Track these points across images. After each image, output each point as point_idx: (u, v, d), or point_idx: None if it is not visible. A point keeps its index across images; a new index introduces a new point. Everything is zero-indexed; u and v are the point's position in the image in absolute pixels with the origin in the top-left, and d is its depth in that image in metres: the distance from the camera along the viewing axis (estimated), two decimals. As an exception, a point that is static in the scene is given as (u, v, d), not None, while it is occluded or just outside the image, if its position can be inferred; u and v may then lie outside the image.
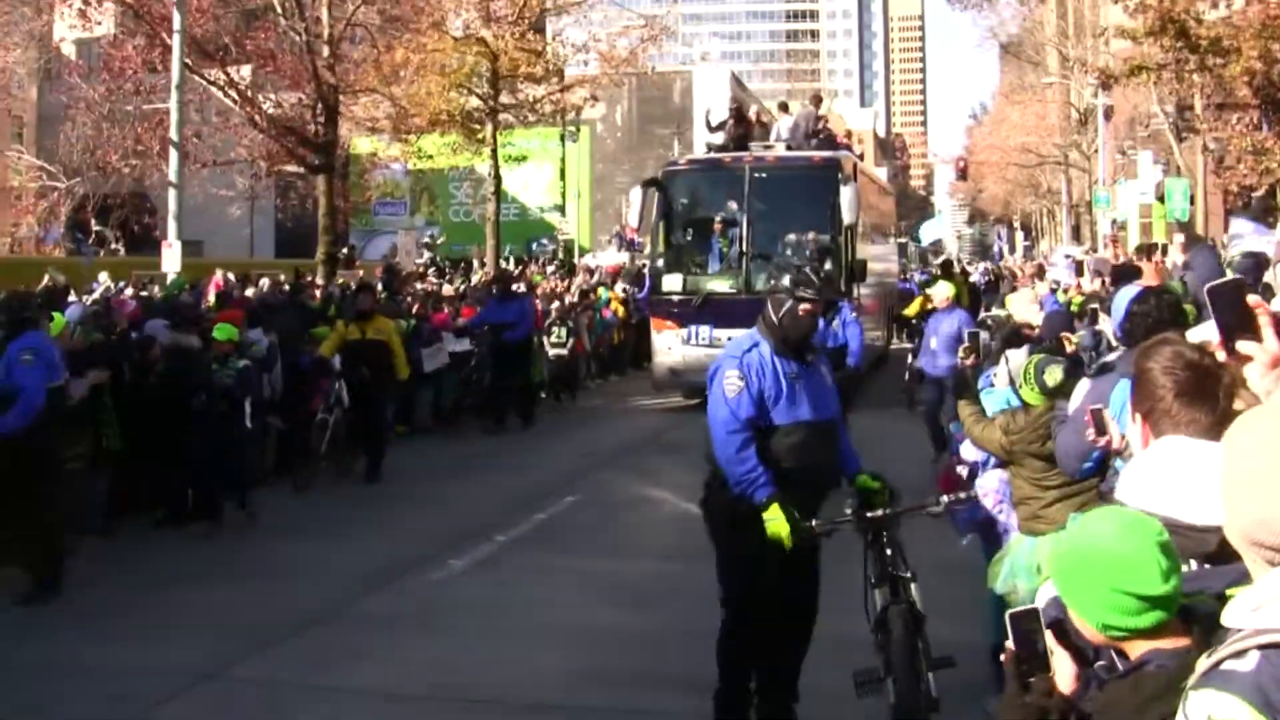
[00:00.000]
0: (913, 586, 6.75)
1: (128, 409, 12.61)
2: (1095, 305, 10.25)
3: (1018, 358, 7.62)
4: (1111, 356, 6.34)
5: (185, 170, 25.77)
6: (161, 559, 11.64)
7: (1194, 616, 2.54)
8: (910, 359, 19.23)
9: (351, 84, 28.70)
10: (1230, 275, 8.46)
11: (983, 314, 17.26)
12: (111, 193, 41.74)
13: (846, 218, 20.75)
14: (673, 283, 22.11)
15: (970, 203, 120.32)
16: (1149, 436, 3.34)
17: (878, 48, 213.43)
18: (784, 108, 26.66)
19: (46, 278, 18.34)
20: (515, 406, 20.43)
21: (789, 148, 23.20)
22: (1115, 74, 28.06)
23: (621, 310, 28.61)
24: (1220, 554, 2.61)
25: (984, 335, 10.04)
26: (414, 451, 17.73)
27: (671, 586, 10.22)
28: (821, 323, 14.15)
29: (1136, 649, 2.58)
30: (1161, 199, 37.61)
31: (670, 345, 21.83)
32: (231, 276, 22.39)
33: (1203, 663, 2.07)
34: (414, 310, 20.61)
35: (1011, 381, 7.45)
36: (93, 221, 41.15)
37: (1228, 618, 2.10)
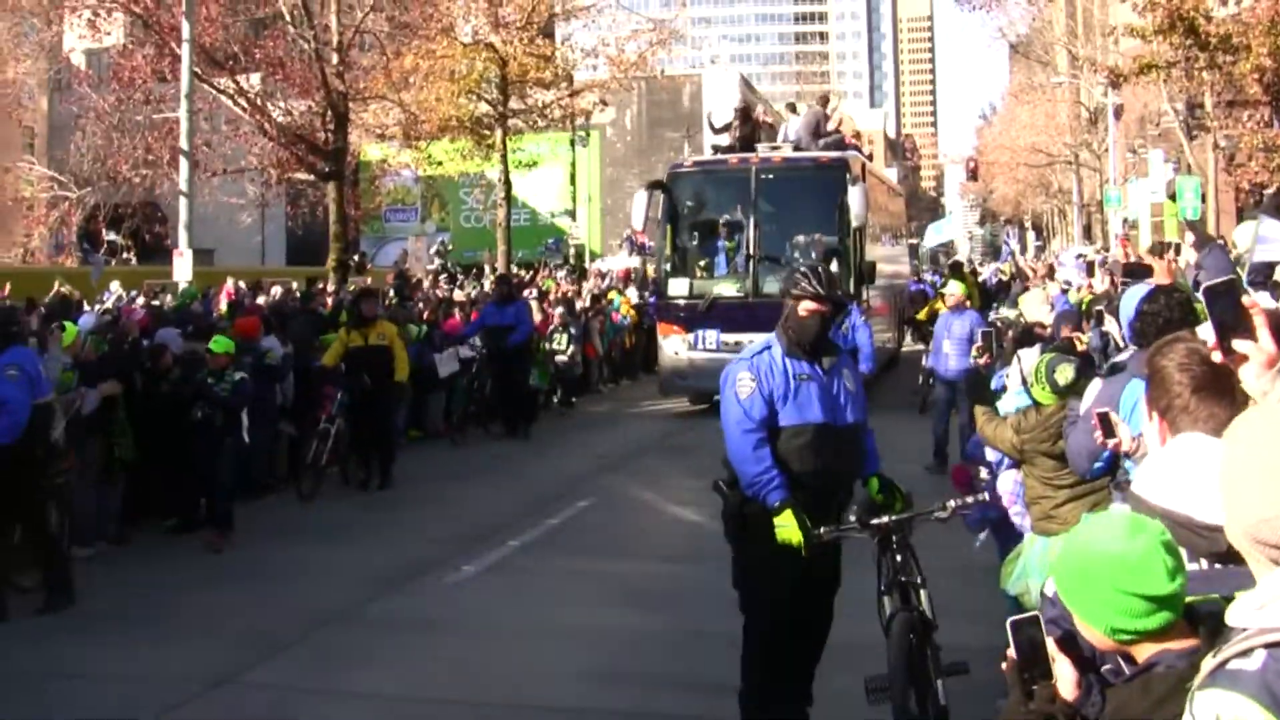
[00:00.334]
0: (923, 593, 6.67)
1: (140, 417, 12.65)
2: (1101, 306, 10.21)
3: (1029, 357, 7.62)
4: (1122, 356, 6.31)
5: (196, 179, 25.82)
6: (174, 565, 11.67)
7: (1200, 617, 2.53)
8: (923, 361, 19.14)
9: (361, 91, 28.75)
10: (1242, 274, 8.45)
11: (993, 315, 17.24)
12: (122, 202, 41.85)
13: (855, 219, 20.49)
14: (679, 287, 21.94)
15: (981, 203, 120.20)
16: (1166, 434, 3.33)
17: (887, 49, 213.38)
18: (792, 108, 26.39)
19: (56, 286, 18.40)
20: (519, 412, 20.18)
21: (796, 149, 22.87)
22: (1125, 73, 28.03)
23: (633, 314, 28.59)
24: (1233, 554, 2.61)
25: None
26: (425, 456, 17.75)
27: (683, 588, 10.22)
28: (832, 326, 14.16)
29: (1144, 652, 2.57)
30: (1173, 197, 37.50)
31: (677, 350, 21.65)
32: (243, 285, 22.44)
33: (1208, 663, 2.06)
34: (425, 316, 20.61)
35: (1024, 381, 7.44)
36: (104, 231, 41.24)
37: (1232, 617, 2.09)
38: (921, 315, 23.87)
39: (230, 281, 22.26)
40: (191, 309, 18.02)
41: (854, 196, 20.38)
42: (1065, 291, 16.99)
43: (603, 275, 34.92)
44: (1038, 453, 7.09)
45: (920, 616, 6.55)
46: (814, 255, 20.51)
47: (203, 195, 30.73)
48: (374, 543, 12.73)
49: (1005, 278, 35.09)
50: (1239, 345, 2.69)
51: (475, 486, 15.83)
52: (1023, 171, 74.11)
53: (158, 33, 26.16)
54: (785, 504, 6.36)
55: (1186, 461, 2.88)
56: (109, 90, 32.77)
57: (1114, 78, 29.68)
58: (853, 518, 6.75)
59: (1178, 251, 15.61)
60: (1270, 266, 9.54)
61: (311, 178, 30.26)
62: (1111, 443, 4.96)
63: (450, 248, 38.69)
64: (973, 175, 77.55)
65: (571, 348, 23.27)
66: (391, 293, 22.63)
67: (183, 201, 24.04)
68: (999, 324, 13.32)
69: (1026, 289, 20.03)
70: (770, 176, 21.74)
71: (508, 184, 32.72)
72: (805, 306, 6.63)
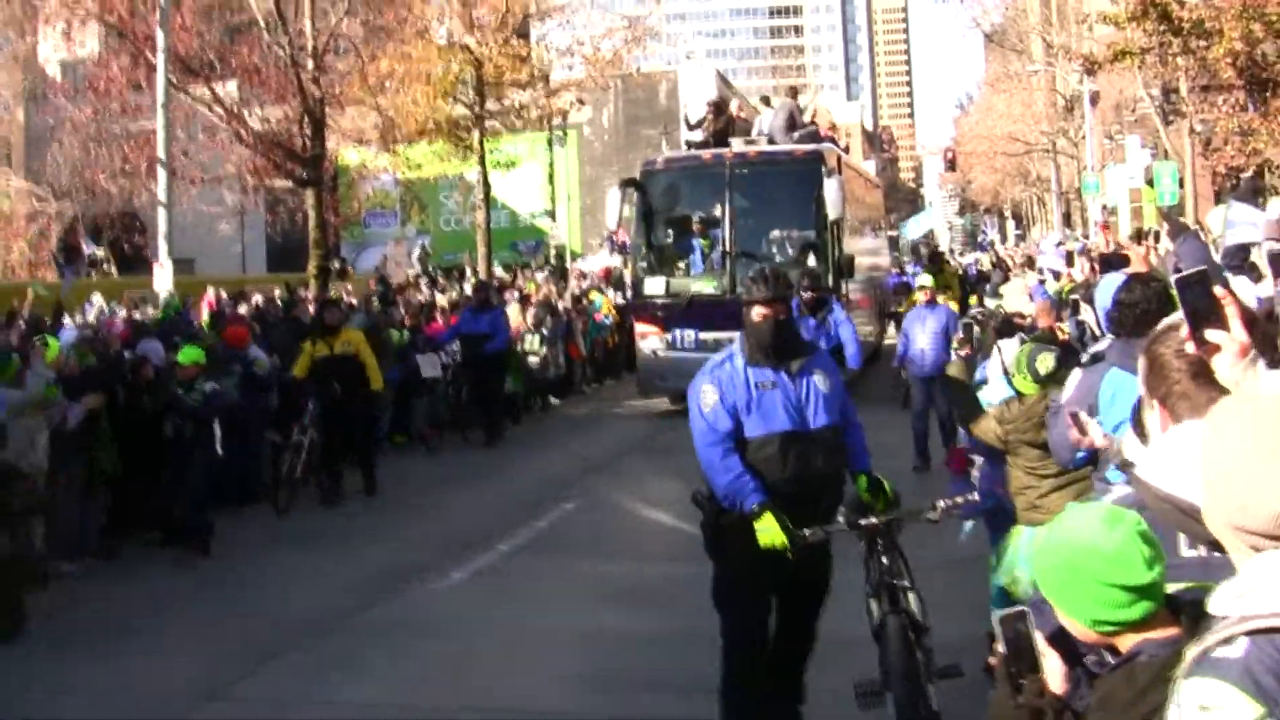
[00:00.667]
0: (911, 596, 6.58)
1: (122, 430, 12.61)
2: (1076, 296, 10.26)
3: (1010, 348, 7.64)
4: (1101, 345, 6.33)
5: (174, 188, 25.73)
6: (159, 579, 11.64)
7: (1181, 606, 2.56)
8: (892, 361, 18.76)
9: (338, 96, 28.66)
10: (1218, 261, 8.49)
11: (974, 308, 17.22)
12: (101, 213, 41.67)
13: (831, 212, 20.30)
14: (655, 285, 21.67)
15: (960, 193, 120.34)
16: (1168, 421, 3.35)
17: (862, 41, 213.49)
18: (765, 101, 26.21)
19: (30, 295, 18.28)
20: (497, 419, 19.87)
21: (770, 142, 22.66)
22: (1099, 60, 28.08)
23: (614, 314, 28.56)
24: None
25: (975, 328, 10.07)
26: (406, 463, 17.71)
27: (672, 589, 10.23)
28: (812, 323, 14.10)
29: (1127, 642, 2.59)
30: (1151, 183, 37.65)
31: (655, 349, 21.43)
32: (224, 294, 22.31)
33: (1192, 651, 2.08)
34: (407, 321, 20.57)
35: (1005, 371, 7.47)
36: (83, 243, 41.07)
37: (1214, 605, 2.11)
38: (903, 309, 23.88)
39: (210, 291, 22.15)
40: (175, 319, 17.97)
41: (830, 190, 20.15)
42: (1043, 282, 17.02)
43: (584, 275, 34.87)
44: (1021, 443, 7.11)
45: (910, 619, 6.48)
46: (790, 248, 20.46)
47: (181, 204, 30.63)
48: (360, 550, 12.69)
49: (985, 268, 35.23)
50: (1212, 335, 2.72)
51: (458, 492, 15.80)
52: (1001, 161, 74.22)
53: (133, 42, 26.05)
54: (764, 506, 6.28)
55: (1188, 448, 2.90)
56: (85, 101, 32.65)
57: (1089, 65, 29.68)
58: (841, 518, 6.62)
59: (1157, 239, 15.66)
60: (1244, 249, 9.60)
61: (290, 184, 30.14)
62: (1085, 441, 4.99)
63: (430, 251, 38.62)
64: (951, 166, 77.63)
65: (544, 350, 23.13)
66: (375, 299, 22.55)
67: (161, 212, 23.94)
68: (980, 315, 13.35)
69: (1006, 279, 20.09)
70: (744, 171, 21.47)
71: (486, 185, 32.67)
72: (757, 311, 6.53)
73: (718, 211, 21.42)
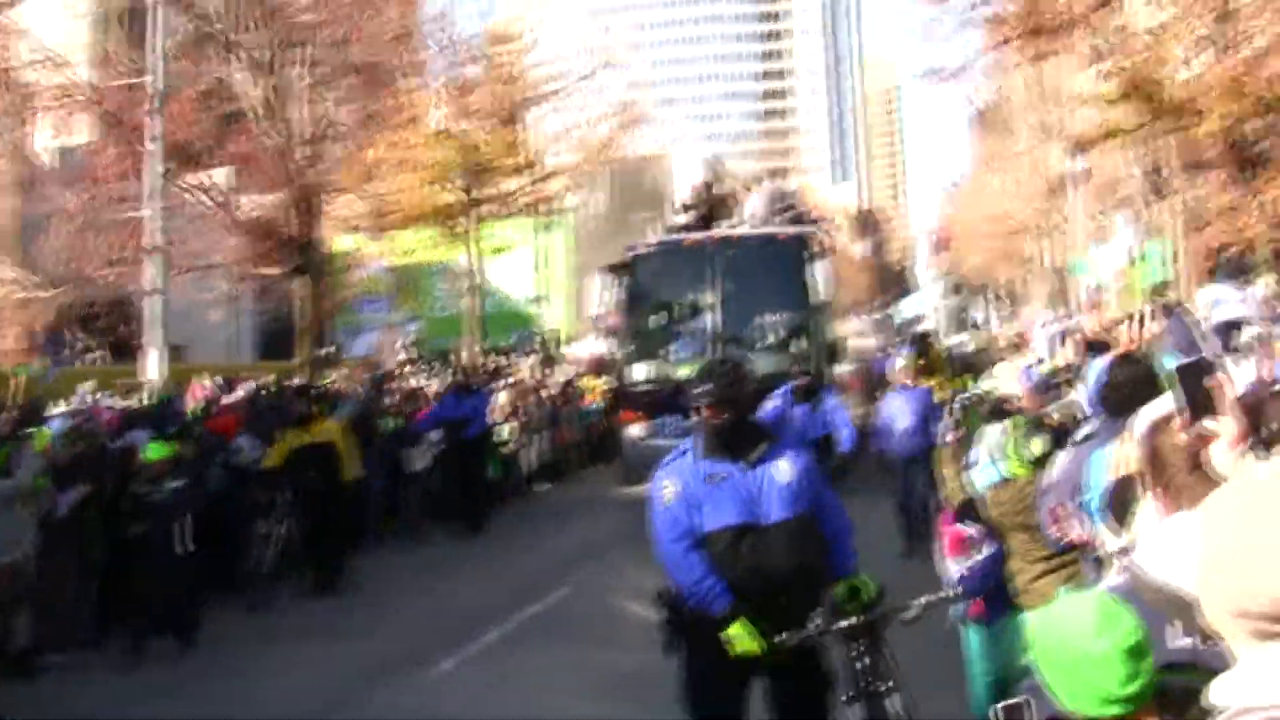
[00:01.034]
0: (897, 698, 6.12)
1: (109, 517, 12.51)
2: (1059, 380, 10.27)
3: (994, 432, 7.59)
4: (1090, 428, 6.31)
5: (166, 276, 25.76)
6: (146, 671, 11.51)
7: (1169, 694, 2.54)
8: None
9: (330, 183, 28.78)
10: (1203, 342, 8.48)
11: (964, 392, 17.10)
12: (94, 301, 41.66)
13: (817, 295, 20.30)
14: (640, 371, 21.52)
15: (950, 274, 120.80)
16: (1170, 509, 3.34)
17: (849, 125, 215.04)
18: (749, 187, 26.39)
19: (23, 381, 18.26)
20: (477, 505, 19.65)
21: (754, 227, 22.68)
22: (1088, 139, 28.30)
23: (602, 399, 28.54)
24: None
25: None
26: (393, 550, 17.62)
27: (666, 677, 10.10)
28: (805, 409, 14.01)
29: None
30: (1134, 262, 37.85)
31: (639, 435, 20.93)
32: (218, 381, 22.12)
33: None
34: (394, 410, 20.53)
35: (991, 456, 7.41)
36: (75, 332, 41.05)
37: (1214, 695, 2.08)
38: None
39: (195, 380, 21.95)
40: (164, 407, 17.95)
41: (816, 273, 20.19)
42: (1031, 367, 16.94)
43: (576, 360, 34.88)
44: (1014, 525, 7.06)
45: None
46: (776, 332, 20.31)
47: (172, 291, 30.63)
48: (349, 639, 12.57)
49: (970, 350, 35.28)
50: (1210, 424, 2.71)
51: (446, 579, 15.70)
52: (990, 240, 74.51)
53: (126, 133, 26.21)
54: (734, 611, 6.08)
55: (1185, 538, 2.89)
56: (81, 188, 32.76)
57: (1077, 144, 29.92)
58: (816, 622, 6.05)
59: (1142, 321, 15.66)
60: (1231, 326, 9.61)
61: (279, 272, 30.15)
62: (1070, 536, 4.96)
63: (421, 337, 38.69)
64: (942, 246, 78.16)
65: (520, 436, 22.88)
66: (361, 389, 22.43)
67: (147, 300, 23.91)
68: (971, 399, 13.29)
69: (994, 361, 20.02)
70: (729, 255, 21.36)
71: (475, 271, 32.76)
72: (704, 409, 6.31)
73: (702, 296, 21.26)
